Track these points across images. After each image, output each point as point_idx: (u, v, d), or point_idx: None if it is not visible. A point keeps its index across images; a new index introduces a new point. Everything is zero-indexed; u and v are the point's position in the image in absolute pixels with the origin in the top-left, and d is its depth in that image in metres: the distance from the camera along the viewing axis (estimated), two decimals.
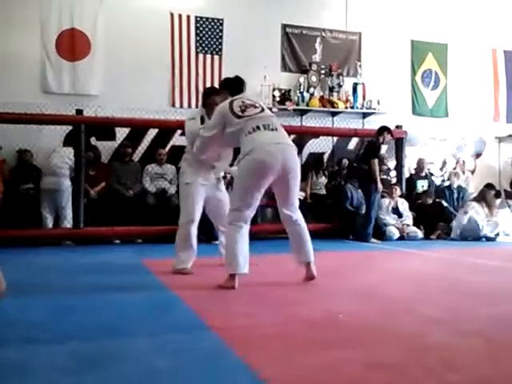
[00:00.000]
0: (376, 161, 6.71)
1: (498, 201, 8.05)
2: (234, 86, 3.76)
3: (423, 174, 8.16)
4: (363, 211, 7.13)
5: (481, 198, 7.31)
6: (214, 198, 4.26)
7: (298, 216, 3.54)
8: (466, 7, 9.51)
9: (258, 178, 3.32)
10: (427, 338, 2.21)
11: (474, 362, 1.90)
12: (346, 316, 2.55)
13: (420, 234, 7.34)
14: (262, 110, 3.54)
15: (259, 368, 1.78)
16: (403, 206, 7.42)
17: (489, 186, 8.10)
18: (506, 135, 9.76)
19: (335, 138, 8.59)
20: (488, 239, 7.03)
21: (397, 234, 7.18)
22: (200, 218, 6.81)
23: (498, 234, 7.22)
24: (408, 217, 7.36)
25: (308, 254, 3.54)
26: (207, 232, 6.53)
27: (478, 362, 1.90)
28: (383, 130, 6.89)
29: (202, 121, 3.97)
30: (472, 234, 7.03)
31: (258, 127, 3.38)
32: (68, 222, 6.46)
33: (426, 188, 8.02)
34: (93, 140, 7.34)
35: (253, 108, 3.50)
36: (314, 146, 8.44)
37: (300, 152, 8.50)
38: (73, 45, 7.52)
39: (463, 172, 8.66)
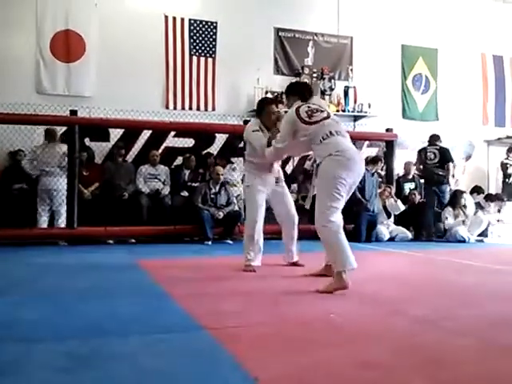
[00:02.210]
0: (452, 165, 7.75)
1: (493, 204, 8.17)
2: (304, 90, 3.79)
3: (410, 177, 8.26)
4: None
5: (455, 201, 7.55)
6: (276, 195, 4.43)
7: None
8: (455, 12, 9.65)
9: (351, 173, 3.34)
10: (417, 337, 2.24)
11: (463, 361, 1.93)
12: (337, 316, 2.59)
13: (410, 234, 7.46)
14: (328, 114, 3.56)
15: (251, 367, 1.79)
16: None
17: (475, 189, 8.23)
18: (495, 139, 9.91)
19: None
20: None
21: (387, 235, 7.29)
22: (194, 219, 6.89)
23: (483, 235, 7.43)
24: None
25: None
26: (202, 232, 6.61)
27: (467, 361, 1.93)
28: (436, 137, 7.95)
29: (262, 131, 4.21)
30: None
31: (332, 133, 3.41)
32: (62, 222, 6.47)
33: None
34: (87, 141, 7.38)
35: (319, 113, 3.53)
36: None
37: None
38: (67, 46, 7.55)
39: (453, 175, 8.78)
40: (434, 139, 7.88)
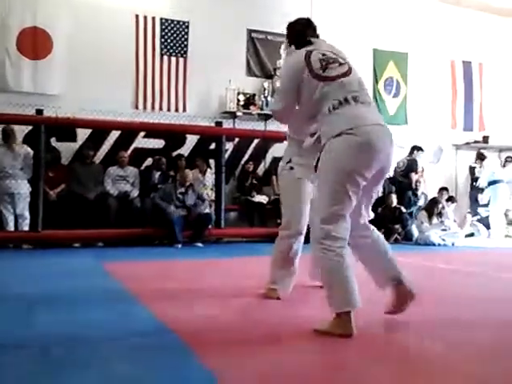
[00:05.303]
0: (413, 174, 8.38)
1: (453, 206, 8.32)
2: (305, 29, 2.73)
3: None
4: None
5: (431, 206, 7.70)
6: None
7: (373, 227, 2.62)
8: (426, 18, 9.80)
9: (372, 161, 2.32)
10: (387, 341, 2.28)
11: (431, 363, 1.96)
12: (306, 320, 2.57)
13: None
14: (350, 69, 2.49)
15: (220, 371, 1.80)
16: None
17: (443, 190, 8.38)
18: (463, 143, 10.10)
19: None
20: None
21: None
22: (164, 222, 6.67)
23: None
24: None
25: (394, 268, 2.53)
26: (172, 235, 6.52)
27: (436, 363, 1.96)
28: (414, 148, 8.58)
29: None
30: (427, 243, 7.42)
31: (347, 100, 2.36)
32: (27, 225, 6.30)
33: (379, 194, 8.20)
34: (53, 141, 7.19)
35: (337, 65, 2.45)
36: (277, 150, 8.50)
37: (264, 156, 8.56)
38: (34, 43, 7.34)
39: (419, 181, 8.89)
40: (411, 151, 8.62)
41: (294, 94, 2.53)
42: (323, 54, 2.49)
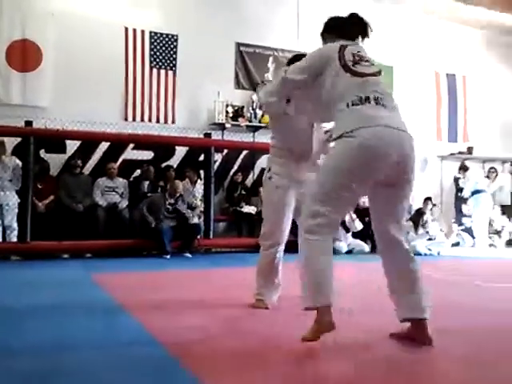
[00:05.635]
0: None
1: (436, 212, 8.46)
2: (347, 26, 2.54)
3: None
4: None
5: (416, 216, 7.87)
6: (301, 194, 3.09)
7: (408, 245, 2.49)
8: (410, 32, 9.99)
9: (362, 166, 2.21)
10: (375, 350, 2.28)
11: (421, 372, 2.00)
12: (296, 330, 2.60)
13: (367, 247, 7.59)
14: (379, 71, 2.43)
15: (207, 382, 1.80)
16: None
17: (427, 200, 8.51)
18: (448, 154, 10.27)
19: None
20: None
21: (345, 248, 7.41)
22: (152, 233, 6.65)
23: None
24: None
25: (419, 305, 2.36)
26: (160, 246, 6.54)
27: (426, 372, 2.01)
28: None
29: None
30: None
31: (368, 99, 2.28)
32: (15, 236, 6.30)
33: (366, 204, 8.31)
34: (42, 152, 7.20)
35: (368, 64, 2.40)
36: (266, 161, 8.58)
37: (252, 168, 8.63)
38: (24, 55, 7.38)
39: None
40: None
41: (311, 74, 2.45)
42: (358, 51, 2.43)
